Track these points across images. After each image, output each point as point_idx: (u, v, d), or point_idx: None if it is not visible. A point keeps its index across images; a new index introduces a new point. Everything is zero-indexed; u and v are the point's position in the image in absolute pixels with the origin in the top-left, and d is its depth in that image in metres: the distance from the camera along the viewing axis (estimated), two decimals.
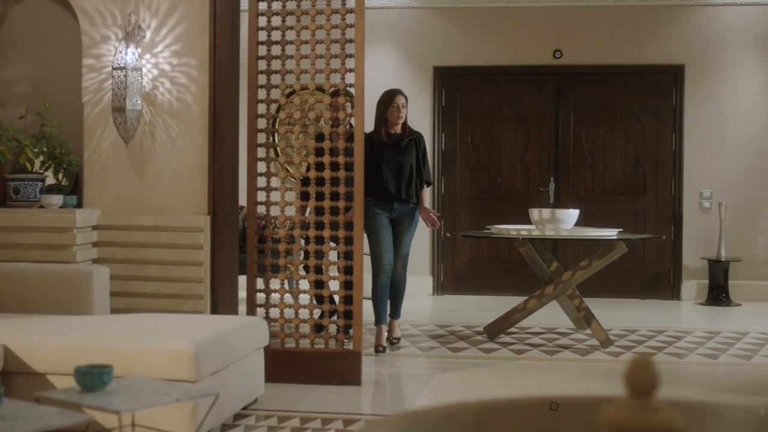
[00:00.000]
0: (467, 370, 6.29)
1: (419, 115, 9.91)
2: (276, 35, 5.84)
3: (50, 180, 5.97)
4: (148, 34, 5.72)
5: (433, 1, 10.46)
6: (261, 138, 5.86)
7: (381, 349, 6.73)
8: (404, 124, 6.88)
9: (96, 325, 4.63)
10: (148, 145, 5.74)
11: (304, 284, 6.26)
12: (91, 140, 5.80)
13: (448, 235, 9.26)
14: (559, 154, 10.43)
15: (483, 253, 10.48)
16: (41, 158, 5.75)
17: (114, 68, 5.55)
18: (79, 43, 5.84)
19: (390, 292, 6.90)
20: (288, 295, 5.88)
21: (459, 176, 10.57)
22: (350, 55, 5.67)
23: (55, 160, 5.73)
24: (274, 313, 6.00)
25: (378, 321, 6.84)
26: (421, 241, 9.58)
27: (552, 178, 10.42)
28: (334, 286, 6.04)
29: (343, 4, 5.70)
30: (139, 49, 5.69)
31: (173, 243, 5.63)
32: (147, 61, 5.71)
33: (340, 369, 5.70)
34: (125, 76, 5.51)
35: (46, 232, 5.53)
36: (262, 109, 5.84)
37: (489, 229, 7.71)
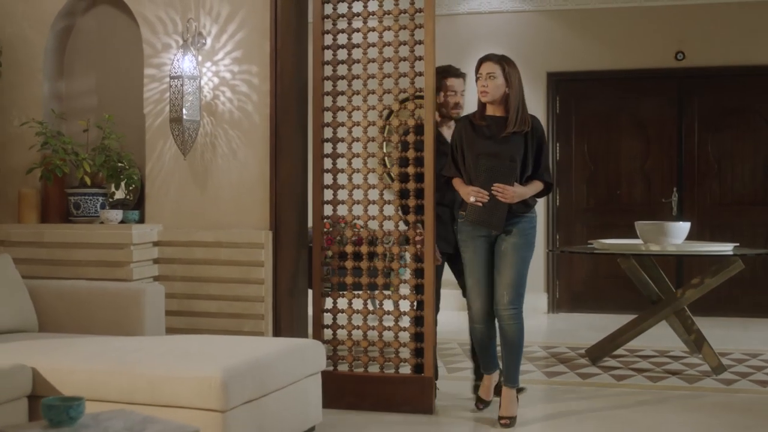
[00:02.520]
0: (555, 399, 5.76)
1: None
2: (342, 38, 5.50)
3: (120, 195, 5.79)
4: (209, 41, 5.46)
5: (545, 4, 9.95)
6: (327, 148, 5.51)
7: (481, 406, 5.32)
8: (508, 104, 4.98)
9: (133, 348, 4.36)
10: (209, 158, 5.48)
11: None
12: (153, 153, 5.58)
13: (548, 250, 8.71)
14: (682, 163, 9.73)
15: (601, 268, 9.84)
16: (104, 173, 5.55)
17: (171, 77, 5.31)
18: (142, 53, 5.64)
19: (501, 345, 5.12)
20: (356, 316, 5.52)
21: (575, 188, 10.01)
22: (420, 58, 5.27)
23: (117, 174, 5.53)
24: (342, 334, 5.63)
25: (484, 369, 5.37)
26: (535, 256, 9.03)
27: (675, 189, 9.73)
28: (404, 305, 5.60)
29: (412, 4, 5.31)
30: (200, 57, 5.44)
31: (234, 260, 5.34)
32: (207, 69, 5.46)
33: (411, 396, 5.29)
34: (182, 84, 5.26)
35: (103, 248, 5.33)
36: (328, 117, 5.50)
37: (592, 244, 7.16)
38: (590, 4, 9.83)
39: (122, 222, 5.50)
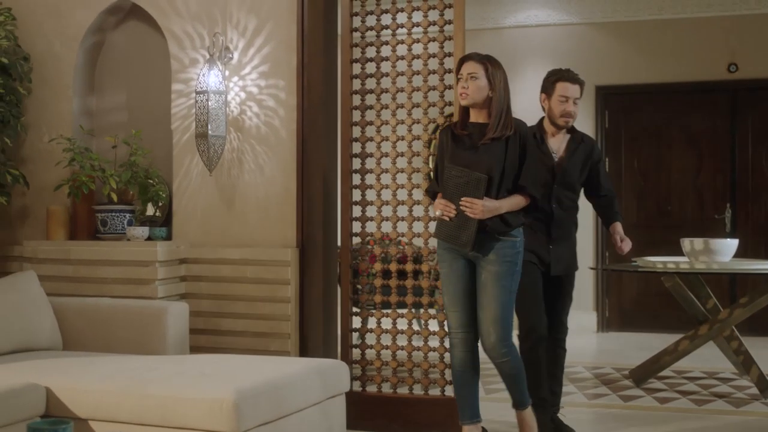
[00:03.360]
0: (593, 423, 5.55)
1: None
2: (370, 51, 5.39)
3: (150, 211, 5.73)
4: (236, 55, 5.37)
5: (593, 16, 9.75)
6: (356, 163, 5.39)
7: None
8: (491, 108, 4.41)
9: (148, 368, 4.27)
10: (236, 174, 5.39)
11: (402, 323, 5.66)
12: (180, 169, 5.50)
13: (589, 268, 8.46)
14: (735, 178, 9.45)
15: (652, 286, 9.56)
16: (132, 189, 5.50)
17: (197, 92, 5.23)
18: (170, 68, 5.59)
19: (502, 377, 4.57)
20: (385, 336, 5.38)
21: (625, 203, 9.75)
22: (449, 71, 5.13)
23: (144, 190, 5.47)
24: (370, 354, 5.49)
25: (462, 415, 4.61)
26: (584, 273, 8.82)
27: (728, 205, 9.45)
28: (433, 325, 5.43)
29: (441, 16, 5.17)
30: (227, 72, 5.36)
31: (260, 278, 5.24)
32: (234, 83, 5.37)
33: (440, 418, 5.13)
34: (207, 100, 5.18)
35: (129, 265, 5.26)
36: (356, 132, 5.38)
37: (635, 261, 6.93)
38: (639, 15, 9.61)
39: (149, 239, 5.43)
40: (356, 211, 5.40)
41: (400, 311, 5.32)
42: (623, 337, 9.42)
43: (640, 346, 8.58)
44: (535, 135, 4.86)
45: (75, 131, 5.68)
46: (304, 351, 5.24)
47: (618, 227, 5.31)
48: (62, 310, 5.08)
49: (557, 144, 5.01)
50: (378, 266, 5.31)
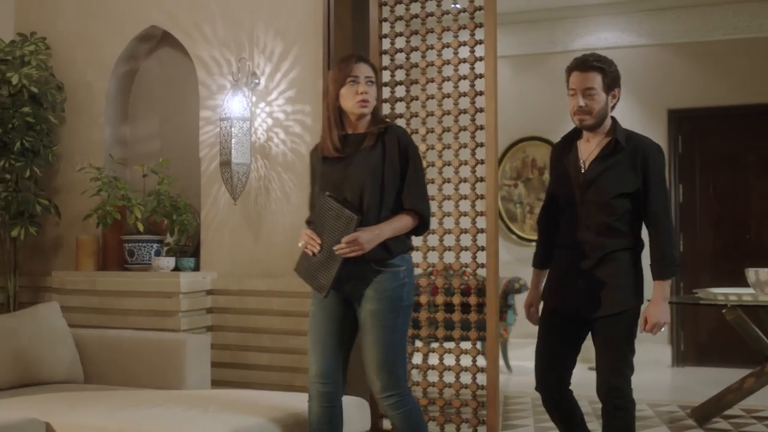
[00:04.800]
0: None
1: None
2: (400, 74, 5.19)
3: (183, 241, 5.61)
4: (263, 80, 5.23)
5: (665, 37, 9.37)
6: None
7: None
8: (375, 117, 3.79)
9: (153, 403, 4.13)
10: (262, 202, 5.23)
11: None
12: (208, 198, 5.37)
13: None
14: None
15: None
16: (157, 218, 5.38)
17: (221, 119, 5.10)
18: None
19: None
20: (414, 371, 5.14)
21: (700, 232, 9.30)
22: (480, 93, 4.89)
23: (171, 220, 5.35)
24: None
25: None
26: None
27: None
28: (465, 360, 5.15)
29: (472, 35, 4.95)
30: (254, 98, 5.22)
31: (286, 310, 5.05)
32: (261, 110, 5.22)
33: None
34: (230, 126, 5.04)
35: (153, 297, 5.14)
36: None
37: (697, 293, 6.54)
38: (713, 35, 9.19)
39: (176, 270, 5.30)
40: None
41: (446, 346, 5.04)
42: (699, 372, 8.94)
43: (715, 382, 8.08)
44: (565, 142, 4.01)
45: (106, 160, 5.61)
46: None
47: (659, 291, 3.99)
48: (84, 342, 5.00)
49: (588, 151, 3.94)
50: (424, 298, 5.08)
